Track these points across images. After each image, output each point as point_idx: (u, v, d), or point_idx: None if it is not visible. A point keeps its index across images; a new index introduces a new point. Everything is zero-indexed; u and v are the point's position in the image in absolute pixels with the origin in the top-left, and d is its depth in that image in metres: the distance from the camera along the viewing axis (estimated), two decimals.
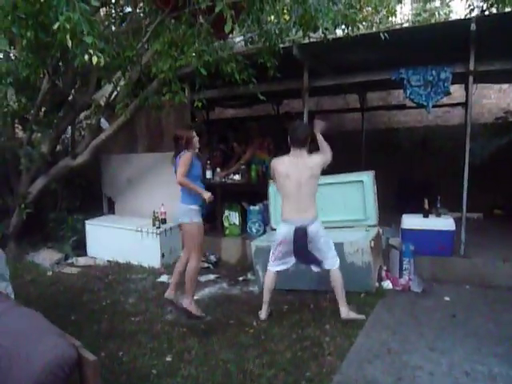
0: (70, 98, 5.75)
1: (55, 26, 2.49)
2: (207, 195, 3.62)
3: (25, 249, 5.88)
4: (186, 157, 3.58)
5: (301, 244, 3.48)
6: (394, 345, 3.16)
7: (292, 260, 3.62)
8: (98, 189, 6.85)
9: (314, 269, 3.65)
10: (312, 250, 3.53)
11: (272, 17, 4.63)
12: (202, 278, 4.80)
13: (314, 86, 5.21)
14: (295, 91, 5.58)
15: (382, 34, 3.97)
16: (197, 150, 3.80)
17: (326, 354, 3.05)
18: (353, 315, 3.56)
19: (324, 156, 3.59)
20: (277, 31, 4.38)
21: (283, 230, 3.53)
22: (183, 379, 2.80)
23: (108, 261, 5.64)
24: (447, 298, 4.08)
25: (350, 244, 4.12)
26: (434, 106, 4.71)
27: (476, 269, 4.47)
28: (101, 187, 6.82)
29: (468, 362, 2.90)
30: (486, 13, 5.21)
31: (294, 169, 3.47)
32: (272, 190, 4.96)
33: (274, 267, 3.67)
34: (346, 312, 3.53)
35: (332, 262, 3.57)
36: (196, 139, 3.73)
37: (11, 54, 4.89)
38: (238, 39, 5.52)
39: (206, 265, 5.20)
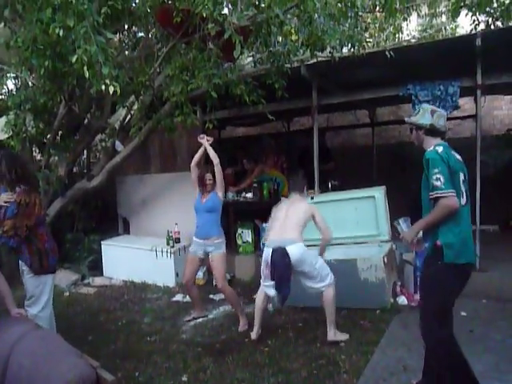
0: (86, 122, 5.93)
1: (73, 59, 2.61)
2: None
3: None
4: None
5: (280, 267, 3.39)
6: (410, 362, 3.12)
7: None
8: (113, 209, 6.97)
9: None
10: (299, 276, 3.51)
11: (279, 38, 4.76)
12: (216, 297, 4.83)
13: (322, 103, 5.29)
14: (305, 109, 5.66)
15: (387, 53, 4.03)
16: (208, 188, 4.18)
17: (341, 372, 3.04)
18: (339, 337, 3.51)
19: (324, 233, 3.58)
20: (285, 52, 4.48)
21: (264, 254, 3.57)
22: None
23: (124, 281, 5.71)
24: (464, 313, 4.02)
25: (363, 260, 4.12)
26: None
27: (493, 283, 4.41)
28: (116, 208, 6.94)
29: (486, 379, 2.83)
30: (492, 27, 5.25)
31: (290, 204, 3.69)
32: None
33: (264, 288, 3.65)
34: (331, 335, 3.47)
35: (324, 284, 3.47)
36: (206, 178, 4.15)
37: (29, 82, 5.08)
38: (247, 60, 5.65)
39: None
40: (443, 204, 2.39)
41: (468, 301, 4.30)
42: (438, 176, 2.39)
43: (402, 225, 2.72)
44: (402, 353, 3.29)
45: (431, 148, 2.55)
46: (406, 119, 2.78)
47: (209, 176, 4.16)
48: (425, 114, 2.65)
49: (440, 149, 2.50)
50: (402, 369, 3.05)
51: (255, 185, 5.95)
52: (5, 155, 3.08)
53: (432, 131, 2.63)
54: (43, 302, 3.06)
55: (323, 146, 6.33)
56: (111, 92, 2.74)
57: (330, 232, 3.57)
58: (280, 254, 3.37)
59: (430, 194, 2.45)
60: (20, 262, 3.06)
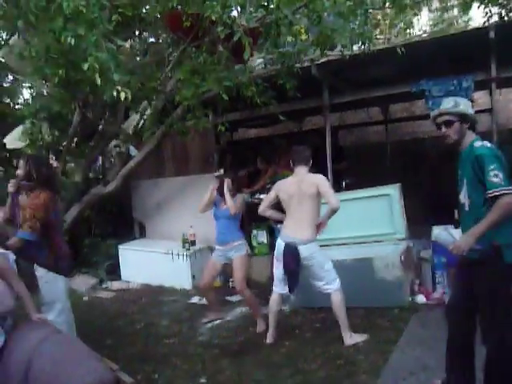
0: (100, 128, 6.01)
1: (85, 67, 2.66)
2: None
3: None
4: None
5: (291, 264, 3.42)
6: (429, 361, 3.08)
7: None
8: (129, 214, 7.04)
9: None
10: (307, 274, 3.52)
11: (289, 38, 4.75)
12: (233, 298, 4.84)
13: (334, 102, 5.26)
14: (317, 108, 5.63)
15: (398, 49, 3.99)
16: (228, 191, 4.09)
17: (360, 373, 3.01)
18: (357, 338, 3.49)
19: (330, 202, 3.40)
20: (295, 53, 4.47)
21: (277, 247, 3.57)
22: None
23: (141, 284, 5.76)
24: None
25: (379, 259, 4.09)
26: None
27: None
28: (132, 212, 7.01)
29: None
30: (505, 19, 5.15)
31: (297, 187, 3.51)
32: None
33: (276, 288, 3.66)
34: (348, 339, 3.45)
35: (330, 287, 3.49)
36: (226, 183, 4.07)
37: (44, 91, 5.19)
38: (257, 61, 5.66)
39: None
40: (507, 201, 2.18)
41: None
42: (496, 172, 2.20)
43: (446, 234, 2.43)
44: (421, 352, 3.24)
45: (478, 143, 2.35)
46: (454, 110, 2.42)
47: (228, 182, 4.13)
48: (469, 106, 2.42)
49: (488, 144, 2.34)
50: (422, 368, 3.01)
51: (269, 186, 5.95)
52: (31, 157, 3.35)
53: (474, 125, 2.45)
54: (58, 308, 3.08)
55: (336, 145, 6.29)
56: (123, 98, 2.78)
57: (337, 200, 3.34)
58: (291, 252, 3.41)
59: (491, 191, 2.22)
60: (35, 265, 3.11)
